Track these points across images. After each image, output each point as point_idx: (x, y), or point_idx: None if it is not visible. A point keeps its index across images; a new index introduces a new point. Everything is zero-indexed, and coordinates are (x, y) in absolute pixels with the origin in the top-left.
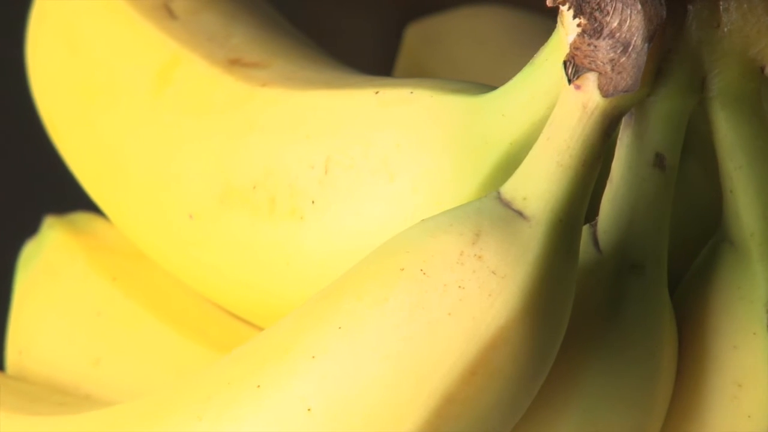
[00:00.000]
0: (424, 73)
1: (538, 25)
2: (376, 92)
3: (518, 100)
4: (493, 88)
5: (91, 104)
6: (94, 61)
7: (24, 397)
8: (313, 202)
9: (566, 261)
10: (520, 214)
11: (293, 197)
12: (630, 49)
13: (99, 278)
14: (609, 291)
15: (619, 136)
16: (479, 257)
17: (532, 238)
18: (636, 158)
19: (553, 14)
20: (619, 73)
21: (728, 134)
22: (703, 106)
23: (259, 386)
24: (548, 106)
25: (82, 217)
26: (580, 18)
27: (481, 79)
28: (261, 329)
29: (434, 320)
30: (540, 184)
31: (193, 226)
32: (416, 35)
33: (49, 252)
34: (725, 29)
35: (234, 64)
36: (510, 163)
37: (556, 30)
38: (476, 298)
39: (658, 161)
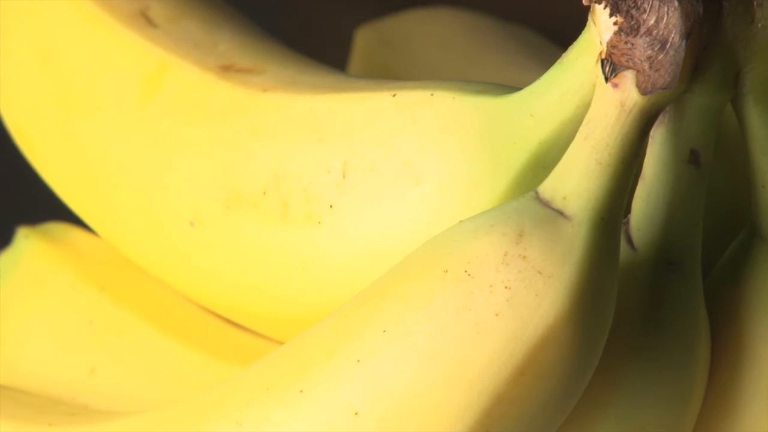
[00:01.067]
0: (387, 76)
1: (495, 27)
2: (393, 95)
3: (547, 99)
4: (513, 89)
5: (69, 115)
6: (71, 71)
7: (30, 409)
8: (331, 206)
9: (609, 259)
10: (560, 213)
11: (309, 202)
12: (668, 46)
13: (87, 287)
14: (647, 288)
15: (651, 133)
16: (524, 257)
17: (576, 237)
18: (671, 155)
19: (504, 16)
20: (657, 70)
21: (762, 129)
22: (736, 101)
23: (302, 391)
24: (578, 105)
25: (57, 228)
26: (616, 16)
27: None
28: (260, 335)
29: (481, 321)
30: (580, 183)
31: (194, 233)
32: (370, 37)
33: (29, 263)
34: (759, 25)
35: (227, 70)
36: (539, 163)
37: (586, 29)
38: (523, 299)
39: (694, 158)
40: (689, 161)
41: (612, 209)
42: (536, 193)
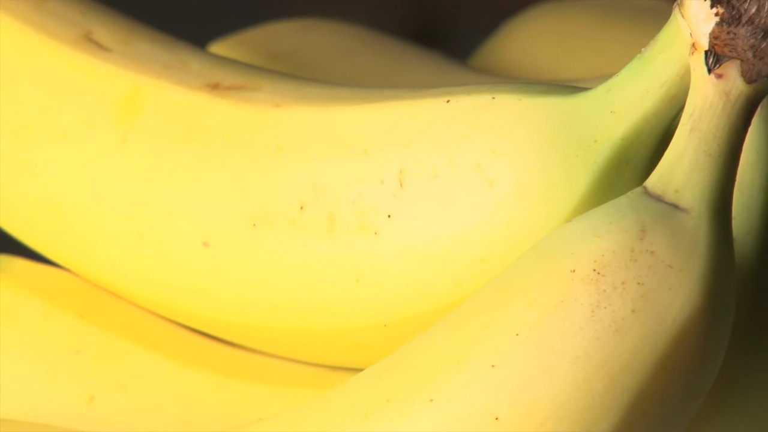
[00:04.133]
0: None
1: (376, 35)
2: (447, 101)
3: (630, 95)
4: (576, 88)
5: (24, 146)
6: (22, 101)
7: None
8: (389, 216)
9: (728, 249)
10: (675, 206)
11: (360, 213)
12: None
13: (64, 316)
14: (751, 277)
15: None
16: (651, 252)
17: (698, 229)
18: (766, 143)
19: (372, 24)
20: (761, 58)
21: None
22: None
23: (432, 400)
24: (661, 98)
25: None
26: (717, 7)
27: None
28: (263, 353)
29: (619, 318)
30: (692, 176)
31: (208, 255)
32: (243, 51)
33: None
34: None
35: (216, 88)
36: (622, 160)
37: (669, 22)
38: (657, 294)
39: None
40: None
41: (725, 199)
42: (644, 188)
